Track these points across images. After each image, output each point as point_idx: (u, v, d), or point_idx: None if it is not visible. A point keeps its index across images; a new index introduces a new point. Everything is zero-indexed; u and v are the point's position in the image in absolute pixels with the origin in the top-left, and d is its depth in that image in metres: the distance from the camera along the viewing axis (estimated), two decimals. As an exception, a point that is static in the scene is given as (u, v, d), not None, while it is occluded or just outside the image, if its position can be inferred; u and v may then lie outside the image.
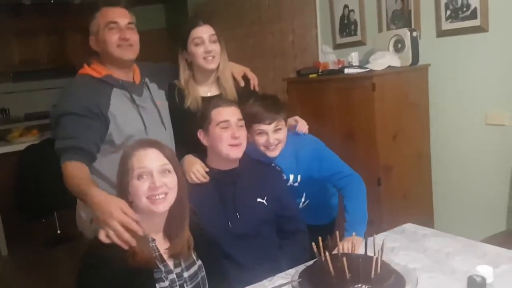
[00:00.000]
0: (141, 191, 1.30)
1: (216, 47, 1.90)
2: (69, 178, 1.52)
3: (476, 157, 2.64)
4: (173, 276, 1.34)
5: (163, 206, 1.33)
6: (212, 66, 1.91)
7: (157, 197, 1.31)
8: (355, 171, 1.88)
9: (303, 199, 1.97)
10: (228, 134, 1.64)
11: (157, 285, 1.29)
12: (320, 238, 1.33)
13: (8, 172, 3.90)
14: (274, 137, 1.78)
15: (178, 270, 1.37)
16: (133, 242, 1.24)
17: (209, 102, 1.76)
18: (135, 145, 1.38)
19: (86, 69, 1.78)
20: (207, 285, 1.43)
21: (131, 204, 1.33)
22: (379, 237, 1.38)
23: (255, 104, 1.78)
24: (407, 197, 2.75)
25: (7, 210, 3.95)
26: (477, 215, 2.67)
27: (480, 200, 2.66)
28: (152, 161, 1.33)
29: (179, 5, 5.71)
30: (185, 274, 1.38)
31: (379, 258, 1.25)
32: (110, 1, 1.78)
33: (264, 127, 1.77)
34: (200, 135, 1.71)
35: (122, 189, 1.33)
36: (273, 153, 1.80)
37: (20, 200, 3.87)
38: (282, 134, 1.81)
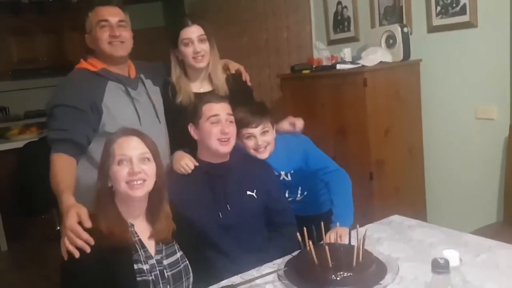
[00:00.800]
0: (120, 176, 1.37)
1: (205, 47, 1.95)
2: (53, 175, 1.58)
3: (466, 150, 2.68)
4: (153, 261, 1.39)
5: (141, 191, 1.38)
6: (201, 65, 1.96)
7: (135, 182, 1.37)
8: (348, 165, 1.94)
9: (299, 192, 2.03)
10: (217, 129, 1.68)
11: (135, 265, 1.34)
12: (305, 228, 1.37)
13: (7, 169, 3.95)
14: (262, 139, 1.83)
15: (158, 257, 1.42)
16: (87, 249, 1.26)
17: (200, 98, 1.79)
18: (118, 133, 1.45)
19: (83, 64, 1.85)
20: (190, 274, 1.48)
21: (111, 189, 1.38)
22: (364, 228, 1.42)
23: (241, 110, 1.83)
24: (400, 191, 2.78)
25: (7, 206, 4.00)
26: (469, 208, 2.72)
27: (471, 193, 2.70)
28: (132, 148, 1.39)
29: (177, 3, 5.74)
30: (165, 262, 1.43)
31: (361, 247, 1.29)
32: (103, 0, 1.82)
33: (251, 130, 1.82)
34: (191, 129, 1.75)
35: (103, 173, 1.40)
36: (263, 155, 1.85)
37: (19, 196, 3.90)
38: (270, 136, 1.87)
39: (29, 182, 3.84)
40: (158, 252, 1.43)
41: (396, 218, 1.81)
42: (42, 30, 6.34)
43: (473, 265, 1.32)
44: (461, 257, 1.29)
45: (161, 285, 1.38)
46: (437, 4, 2.65)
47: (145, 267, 1.36)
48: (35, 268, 3.69)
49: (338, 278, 1.24)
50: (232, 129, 1.72)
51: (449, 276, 0.85)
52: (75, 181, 1.59)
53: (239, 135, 1.81)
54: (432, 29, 2.71)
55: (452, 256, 0.89)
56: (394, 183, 2.76)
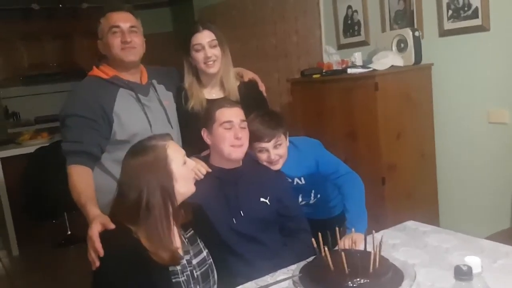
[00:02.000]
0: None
1: (216, 52, 1.95)
2: (72, 187, 1.63)
3: (479, 155, 2.66)
4: (183, 262, 1.39)
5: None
6: (213, 70, 1.96)
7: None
8: (359, 170, 1.93)
9: (312, 195, 2.02)
10: (230, 135, 1.67)
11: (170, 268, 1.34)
12: (319, 234, 1.36)
13: (18, 174, 3.96)
14: (274, 153, 1.81)
15: (187, 257, 1.42)
16: (96, 263, 1.29)
17: (213, 103, 1.79)
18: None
19: (95, 71, 1.86)
20: (215, 271, 1.48)
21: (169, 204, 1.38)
22: (379, 234, 1.41)
23: (254, 121, 1.82)
24: (412, 195, 2.76)
25: (19, 211, 4.01)
26: (482, 213, 2.69)
27: (484, 198, 2.68)
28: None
29: (185, 9, 5.77)
30: (194, 261, 1.43)
31: (377, 253, 1.28)
32: (114, 6, 1.83)
33: (264, 144, 1.81)
34: (204, 133, 1.75)
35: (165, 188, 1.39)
36: (276, 167, 1.84)
37: (31, 201, 3.93)
38: (283, 150, 1.84)
39: (40, 187, 3.87)
40: (186, 252, 1.42)
41: (410, 223, 1.80)
42: (53, 36, 6.43)
43: (491, 271, 1.30)
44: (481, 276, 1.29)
45: (192, 285, 1.38)
46: (448, 8, 2.64)
47: (178, 268, 1.36)
48: (46, 272, 3.70)
49: (354, 285, 1.22)
50: (245, 135, 1.71)
51: (472, 283, 0.84)
52: (94, 190, 1.62)
53: (251, 147, 1.80)
54: (443, 33, 2.70)
55: (474, 262, 0.88)
56: (407, 187, 2.74)
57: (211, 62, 1.94)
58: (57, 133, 4.73)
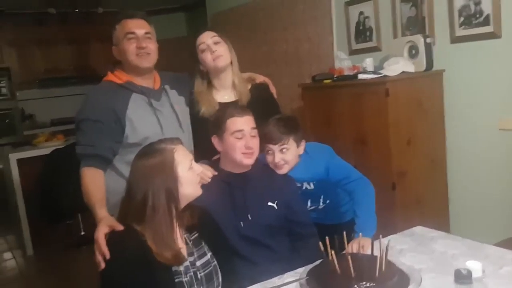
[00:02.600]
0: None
1: (220, 47, 2.00)
2: (84, 188, 1.71)
3: (490, 162, 2.66)
4: (187, 263, 1.43)
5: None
6: (221, 63, 2.00)
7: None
8: (369, 176, 1.94)
9: (321, 200, 2.04)
10: (242, 144, 1.70)
11: (172, 268, 1.39)
12: (327, 238, 1.39)
13: (34, 175, 4.04)
14: (279, 156, 1.84)
15: (191, 259, 1.46)
16: (102, 265, 1.36)
17: (224, 110, 1.81)
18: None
19: (110, 76, 1.91)
20: (219, 273, 1.52)
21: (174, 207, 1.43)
22: (387, 239, 1.43)
23: (269, 123, 1.86)
24: (422, 202, 2.76)
25: (33, 212, 4.09)
26: (492, 220, 2.68)
27: (495, 204, 2.67)
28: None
29: (199, 14, 5.85)
30: (198, 263, 1.47)
31: (384, 257, 1.30)
32: (129, 13, 1.89)
33: (271, 146, 1.85)
34: (214, 140, 1.78)
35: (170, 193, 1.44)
36: (280, 171, 1.87)
37: (45, 202, 4.00)
38: (289, 155, 1.86)
39: (55, 189, 3.94)
40: (190, 254, 1.46)
41: (418, 229, 1.81)
42: (68, 40, 6.54)
43: (496, 277, 1.31)
44: (484, 268, 1.30)
45: (195, 286, 1.42)
46: (460, 14, 2.64)
47: (181, 268, 1.40)
48: (60, 272, 3.76)
49: (360, 288, 1.25)
50: (255, 142, 1.74)
51: (472, 287, 0.85)
52: (105, 192, 1.68)
53: (262, 148, 1.84)
54: (455, 39, 2.71)
55: (475, 267, 0.90)
56: (417, 194, 2.74)
57: (217, 58, 1.99)
58: (72, 135, 4.81)
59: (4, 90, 6.13)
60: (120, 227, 1.38)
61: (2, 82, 6.09)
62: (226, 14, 4.69)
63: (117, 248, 1.35)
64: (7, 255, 4.30)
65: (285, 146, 1.85)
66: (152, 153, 1.44)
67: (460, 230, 2.80)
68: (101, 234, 1.37)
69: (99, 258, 1.34)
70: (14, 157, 4.10)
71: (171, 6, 6.86)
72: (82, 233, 4.28)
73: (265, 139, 1.84)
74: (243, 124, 1.72)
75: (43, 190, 3.98)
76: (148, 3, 6.50)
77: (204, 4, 5.13)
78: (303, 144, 1.94)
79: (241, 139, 1.71)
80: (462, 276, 0.84)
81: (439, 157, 2.86)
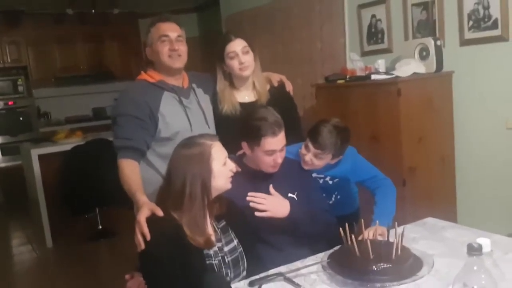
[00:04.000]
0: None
1: (248, 57, 2.12)
2: (123, 177, 1.83)
3: (497, 159, 2.77)
4: (215, 248, 1.57)
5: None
6: (247, 73, 2.14)
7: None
8: (381, 171, 2.06)
9: (333, 196, 2.17)
10: (271, 159, 1.81)
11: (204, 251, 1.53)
12: (347, 224, 1.51)
13: (54, 170, 4.19)
14: (311, 157, 1.95)
15: (219, 244, 1.60)
16: (142, 246, 1.46)
17: (260, 124, 1.79)
18: None
19: (143, 75, 2.05)
20: (245, 259, 1.65)
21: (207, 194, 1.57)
22: (400, 228, 1.55)
23: (324, 125, 1.95)
24: (431, 197, 2.87)
25: (53, 206, 4.25)
26: (499, 215, 2.79)
27: (501, 201, 2.78)
28: None
29: (211, 15, 5.98)
30: (225, 249, 1.61)
31: (400, 242, 1.42)
32: (163, 17, 2.02)
33: (310, 147, 1.95)
34: (244, 146, 1.87)
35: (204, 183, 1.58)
36: (305, 167, 1.99)
37: (65, 197, 4.15)
38: (320, 162, 1.96)
39: (74, 183, 4.09)
40: (218, 240, 1.60)
41: (430, 220, 1.93)
42: (84, 40, 6.71)
43: (502, 262, 1.43)
44: (491, 254, 1.42)
45: (223, 269, 1.56)
46: (469, 18, 2.76)
47: (211, 252, 1.54)
48: (77, 264, 3.91)
49: (378, 269, 1.37)
50: (283, 156, 1.84)
51: (482, 258, 0.98)
52: (141, 181, 1.81)
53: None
54: (464, 42, 2.82)
55: (485, 242, 1.02)
56: (427, 189, 2.85)
57: (245, 67, 2.11)
58: (89, 132, 4.98)
59: (21, 88, 6.31)
60: (160, 212, 1.51)
61: (19, 80, 6.28)
62: (240, 15, 4.81)
63: (156, 231, 1.48)
64: (27, 247, 4.45)
65: (322, 155, 1.94)
66: (193, 145, 1.58)
67: (467, 224, 2.89)
68: (143, 217, 1.50)
69: (140, 238, 1.47)
70: (35, 153, 4.24)
71: (184, 7, 7.00)
72: (100, 227, 4.43)
73: (310, 136, 1.94)
74: (276, 144, 1.79)
75: (64, 185, 4.12)
76: (162, 4, 6.65)
77: (216, 4, 5.26)
78: (338, 158, 2.02)
79: (272, 156, 1.80)
80: (474, 249, 0.95)
81: (448, 155, 2.97)
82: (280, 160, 1.83)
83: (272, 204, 1.73)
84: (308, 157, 1.96)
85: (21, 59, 6.31)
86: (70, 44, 6.62)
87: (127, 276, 1.71)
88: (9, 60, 6.24)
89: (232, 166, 1.65)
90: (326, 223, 1.81)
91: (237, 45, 2.11)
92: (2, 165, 6.13)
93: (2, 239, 4.83)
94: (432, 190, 2.88)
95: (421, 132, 2.80)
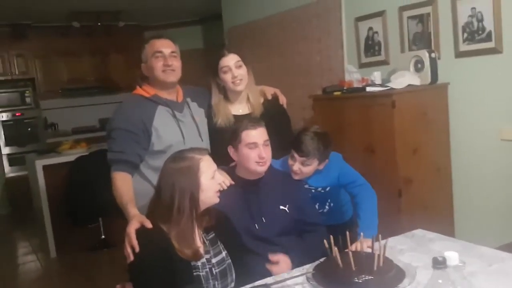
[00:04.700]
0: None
1: (242, 71, 2.18)
2: (115, 190, 1.89)
3: (492, 170, 2.79)
4: (203, 260, 1.60)
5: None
6: (240, 88, 2.19)
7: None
8: (376, 183, 2.11)
9: (327, 204, 2.21)
10: (255, 154, 1.86)
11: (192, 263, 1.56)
12: (331, 237, 1.54)
13: (58, 181, 4.26)
14: (298, 166, 2.01)
15: (207, 256, 1.63)
16: (131, 257, 1.52)
17: (240, 123, 1.97)
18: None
19: (138, 90, 2.12)
20: (233, 271, 1.68)
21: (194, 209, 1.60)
22: (389, 240, 1.58)
23: (306, 133, 2.02)
24: (428, 209, 2.88)
25: (57, 216, 4.30)
26: (495, 225, 2.80)
27: (497, 211, 2.79)
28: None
29: (215, 27, 6.06)
30: (213, 260, 1.64)
31: (381, 254, 1.44)
32: (157, 33, 2.09)
33: (295, 155, 2.01)
34: (231, 151, 1.95)
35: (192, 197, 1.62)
36: (295, 177, 2.04)
37: (69, 207, 4.21)
38: (308, 169, 2.02)
39: (78, 194, 4.14)
40: (206, 252, 1.64)
41: (419, 232, 1.95)
42: (90, 52, 6.82)
43: (485, 273, 1.46)
44: (475, 267, 1.45)
45: (210, 280, 1.59)
46: (464, 31, 2.79)
47: (199, 264, 1.58)
48: (81, 273, 3.95)
49: (360, 281, 1.40)
50: (267, 152, 1.90)
51: (447, 272, 1.00)
52: (133, 194, 1.86)
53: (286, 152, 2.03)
54: (459, 54, 2.85)
55: (452, 256, 1.04)
56: (422, 200, 2.86)
57: (238, 81, 2.17)
58: (94, 143, 5.05)
59: (28, 100, 6.43)
60: (149, 224, 1.55)
61: (27, 92, 6.40)
62: (242, 28, 4.89)
63: (145, 243, 1.52)
64: (32, 257, 4.51)
65: (308, 162, 2.00)
66: (182, 159, 1.62)
67: (465, 235, 2.90)
68: (132, 229, 1.54)
69: (129, 250, 1.51)
70: (40, 164, 4.31)
71: (188, 20, 7.11)
72: (103, 237, 4.48)
73: (293, 146, 2.01)
74: (256, 136, 1.87)
75: (67, 195, 4.18)
76: (167, 16, 6.77)
77: (220, 17, 5.34)
78: (325, 162, 2.08)
79: (255, 150, 1.86)
80: (438, 262, 0.98)
81: (444, 166, 2.98)
82: (264, 155, 1.86)
83: (285, 268, 1.76)
84: (296, 166, 2.01)
85: (28, 71, 6.43)
86: (76, 57, 6.73)
87: (118, 286, 1.75)
88: (17, 72, 6.36)
89: (220, 180, 1.68)
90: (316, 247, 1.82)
91: (230, 60, 2.17)
92: (10, 175, 6.23)
93: (8, 249, 4.90)
94: (428, 201, 2.90)
95: (416, 144, 2.82)
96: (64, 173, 4.26)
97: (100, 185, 4.06)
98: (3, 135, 6.22)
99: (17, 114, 6.32)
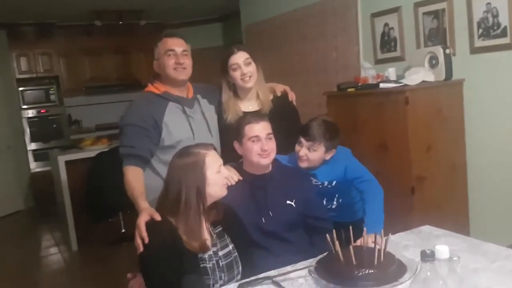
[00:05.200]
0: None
1: (251, 68, 2.20)
2: (127, 183, 1.96)
3: (508, 168, 2.74)
4: (210, 252, 1.65)
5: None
6: (249, 85, 2.22)
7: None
8: (390, 181, 2.13)
9: (335, 200, 2.22)
10: (258, 147, 1.90)
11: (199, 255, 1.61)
12: (334, 231, 1.56)
13: (80, 176, 4.38)
14: (304, 151, 2.06)
15: (214, 249, 1.68)
16: (140, 248, 1.58)
17: (243, 118, 2.03)
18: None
19: (150, 87, 2.18)
20: (239, 263, 1.72)
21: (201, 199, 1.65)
22: (395, 236, 1.59)
23: (313, 120, 2.09)
24: (442, 206, 2.85)
25: (79, 210, 4.42)
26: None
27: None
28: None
29: (234, 24, 6.11)
30: (220, 253, 1.69)
31: (382, 248, 1.46)
32: (169, 32, 2.14)
33: (302, 140, 2.06)
34: (236, 145, 1.99)
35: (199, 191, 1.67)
36: (301, 164, 2.08)
37: (91, 201, 4.32)
38: (314, 156, 2.07)
39: (99, 189, 4.25)
40: (213, 245, 1.68)
41: (426, 228, 1.95)
42: (112, 51, 6.95)
43: (488, 271, 1.45)
44: (478, 263, 1.45)
45: (217, 272, 1.64)
46: (479, 26, 2.76)
47: (205, 256, 1.63)
48: (101, 266, 4.06)
49: (359, 274, 1.41)
50: (271, 145, 1.93)
51: (435, 265, 1.01)
52: (144, 187, 1.92)
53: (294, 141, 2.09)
54: (474, 50, 2.82)
55: (442, 250, 1.05)
56: (436, 198, 2.84)
57: (247, 78, 2.20)
58: (115, 139, 5.16)
59: (53, 97, 6.61)
60: (158, 217, 1.60)
61: (51, 89, 6.58)
62: (259, 25, 4.92)
63: (154, 235, 1.57)
64: (54, 250, 4.65)
65: (314, 146, 2.04)
66: (188, 154, 1.67)
67: (480, 234, 2.87)
68: (142, 221, 1.60)
69: (139, 241, 1.56)
70: (62, 159, 4.43)
71: (208, 17, 7.17)
72: (123, 230, 4.58)
73: (302, 131, 2.05)
74: (259, 130, 1.91)
75: (89, 190, 4.29)
76: (187, 15, 6.84)
77: (240, 15, 5.38)
78: (332, 152, 2.11)
79: (257, 143, 1.90)
80: (426, 255, 1.00)
81: (459, 164, 2.95)
82: (266, 147, 1.89)
83: None
84: (303, 151, 2.05)
85: (53, 69, 6.60)
86: (99, 55, 6.87)
87: (129, 275, 1.81)
88: (41, 70, 6.53)
89: (227, 174, 1.72)
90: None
91: (239, 57, 2.20)
92: (35, 170, 6.43)
93: (32, 241, 5.06)
94: (442, 200, 2.87)
95: (430, 141, 2.80)
96: (85, 169, 4.37)
97: (120, 180, 4.19)
98: (28, 132, 6.42)
99: (42, 111, 6.50)
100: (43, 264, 4.38)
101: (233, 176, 1.96)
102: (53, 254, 4.55)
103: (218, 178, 1.68)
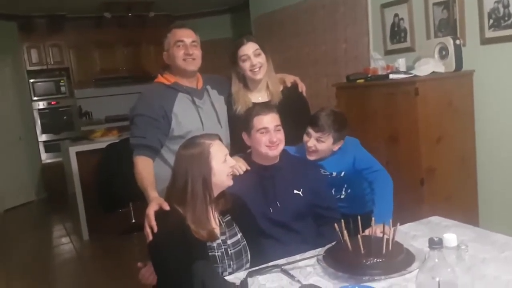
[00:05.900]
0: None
1: (260, 59, 2.21)
2: (137, 173, 1.98)
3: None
4: (219, 241, 1.67)
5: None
6: (259, 76, 2.22)
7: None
8: (399, 172, 2.12)
9: (344, 190, 2.23)
10: (266, 139, 1.92)
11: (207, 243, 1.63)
12: (342, 220, 1.57)
13: (90, 167, 4.44)
14: (312, 142, 2.07)
15: (223, 237, 1.70)
16: (149, 237, 1.60)
17: (252, 109, 2.03)
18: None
19: (160, 78, 2.20)
20: (248, 252, 1.75)
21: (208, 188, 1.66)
22: (404, 226, 1.59)
23: (322, 111, 2.10)
24: (451, 198, 2.84)
25: (90, 200, 4.48)
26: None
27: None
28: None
29: (244, 16, 6.09)
30: (229, 241, 1.71)
31: (391, 237, 1.47)
32: (179, 23, 2.15)
33: (310, 130, 2.07)
34: (244, 136, 2.01)
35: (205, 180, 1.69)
36: (309, 155, 2.09)
37: (101, 192, 4.37)
38: (322, 146, 2.08)
39: (110, 179, 4.29)
40: (222, 233, 1.71)
41: (435, 219, 1.95)
42: (122, 43, 6.98)
43: (496, 260, 1.46)
44: (487, 254, 1.45)
45: (226, 260, 1.67)
46: (490, 17, 2.73)
47: (214, 245, 1.65)
48: (112, 255, 4.12)
49: (367, 263, 1.43)
50: (279, 137, 1.94)
51: (443, 252, 1.02)
52: (154, 177, 1.94)
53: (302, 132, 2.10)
54: (485, 41, 2.79)
55: (450, 238, 1.06)
56: (446, 190, 2.83)
57: (257, 69, 2.21)
58: (125, 131, 5.20)
59: (63, 89, 6.67)
60: (167, 207, 1.63)
61: (62, 81, 6.63)
62: (269, 16, 4.90)
63: (163, 224, 1.60)
64: (65, 239, 4.73)
65: (322, 137, 2.05)
66: (193, 145, 1.69)
67: (489, 226, 2.85)
68: (151, 211, 1.62)
69: (148, 230, 1.59)
70: (73, 150, 4.49)
71: (218, 9, 7.16)
72: (133, 220, 4.63)
73: (310, 122, 2.06)
74: (267, 122, 1.92)
75: (99, 181, 4.34)
76: (196, 6, 6.84)
77: (249, 6, 5.37)
78: (340, 143, 2.12)
79: (266, 134, 1.92)
80: (434, 242, 1.00)
81: (469, 155, 2.94)
82: (275, 139, 1.91)
83: None
84: (311, 142, 2.06)
85: (63, 61, 6.65)
86: (109, 47, 6.91)
87: (139, 264, 1.84)
88: (52, 62, 6.59)
89: (232, 163, 1.73)
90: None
91: (249, 49, 2.21)
92: (46, 161, 6.51)
93: (44, 231, 5.14)
94: (452, 191, 2.86)
95: (440, 132, 2.79)
96: (96, 160, 4.42)
97: (130, 171, 4.23)
98: (39, 123, 6.49)
99: (52, 103, 6.57)
100: (55, 253, 4.45)
101: (241, 166, 1.98)
102: (64, 243, 4.63)
103: (224, 168, 1.69)
